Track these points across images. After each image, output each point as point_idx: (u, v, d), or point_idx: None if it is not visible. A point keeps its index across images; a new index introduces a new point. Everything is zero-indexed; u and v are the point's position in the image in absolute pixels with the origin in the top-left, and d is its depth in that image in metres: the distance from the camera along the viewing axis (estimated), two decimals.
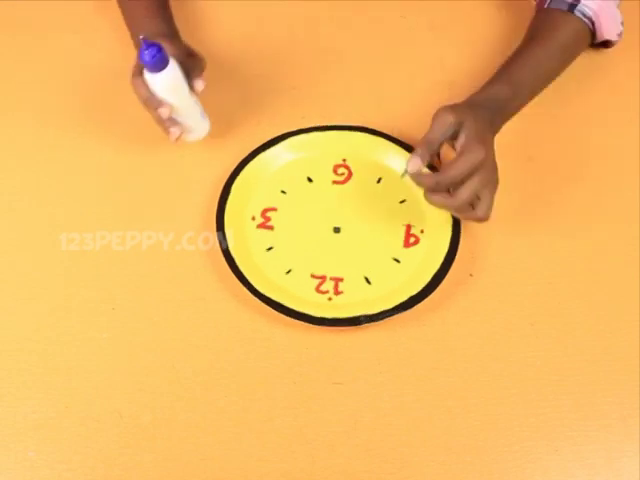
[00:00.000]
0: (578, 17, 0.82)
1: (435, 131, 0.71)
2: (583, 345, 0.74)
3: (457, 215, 0.76)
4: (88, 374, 0.72)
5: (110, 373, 0.72)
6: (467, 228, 0.78)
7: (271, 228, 0.79)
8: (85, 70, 0.88)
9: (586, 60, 0.87)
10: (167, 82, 0.74)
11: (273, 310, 0.73)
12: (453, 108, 0.72)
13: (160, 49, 0.71)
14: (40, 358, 0.73)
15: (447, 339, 0.74)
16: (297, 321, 0.73)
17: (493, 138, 0.74)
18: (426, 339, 0.74)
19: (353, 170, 0.83)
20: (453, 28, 0.95)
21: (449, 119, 0.71)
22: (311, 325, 0.72)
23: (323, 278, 0.76)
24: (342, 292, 0.76)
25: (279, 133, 0.84)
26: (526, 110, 0.81)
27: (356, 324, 0.73)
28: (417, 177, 0.72)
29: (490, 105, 0.75)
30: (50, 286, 0.76)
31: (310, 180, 0.82)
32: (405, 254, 0.78)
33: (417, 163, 0.71)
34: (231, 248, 0.76)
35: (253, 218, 0.79)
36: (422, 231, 0.79)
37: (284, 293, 0.74)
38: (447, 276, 0.75)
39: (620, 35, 0.85)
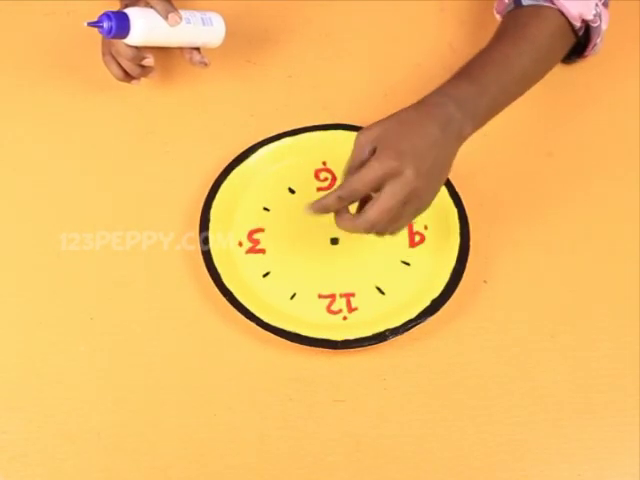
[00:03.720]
0: (531, 4, 0.77)
1: (352, 157, 0.66)
2: (608, 359, 0.71)
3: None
4: (64, 391, 0.70)
5: (90, 389, 0.70)
6: (478, 227, 0.76)
7: (262, 251, 0.75)
8: (84, 73, 0.88)
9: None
10: (141, 37, 0.76)
11: (286, 341, 0.69)
12: (368, 128, 0.66)
13: (110, 17, 0.73)
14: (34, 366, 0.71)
15: (458, 352, 0.71)
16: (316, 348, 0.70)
17: (447, 151, 0.67)
18: (435, 352, 0.71)
19: (337, 173, 0.79)
20: (464, 8, 0.92)
21: (361, 140, 0.65)
22: (332, 350, 0.69)
23: (332, 297, 0.73)
24: (356, 308, 0.73)
25: (273, 125, 0.81)
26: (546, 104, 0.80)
27: (382, 340, 0.69)
28: (318, 202, 0.66)
29: (443, 108, 0.68)
30: (50, 286, 0.75)
31: (292, 191, 0.79)
32: (413, 255, 0.75)
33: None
34: (225, 281, 0.72)
35: (240, 244, 0.76)
36: (426, 227, 0.76)
37: (295, 321, 0.71)
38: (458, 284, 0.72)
39: (598, 18, 0.78)
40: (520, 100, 0.79)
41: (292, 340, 0.69)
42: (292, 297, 0.73)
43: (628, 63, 0.88)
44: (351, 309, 0.72)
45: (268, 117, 0.84)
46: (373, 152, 0.65)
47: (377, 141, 0.65)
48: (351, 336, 0.69)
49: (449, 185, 0.76)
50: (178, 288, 0.74)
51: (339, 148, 0.78)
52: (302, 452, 0.67)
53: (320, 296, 0.73)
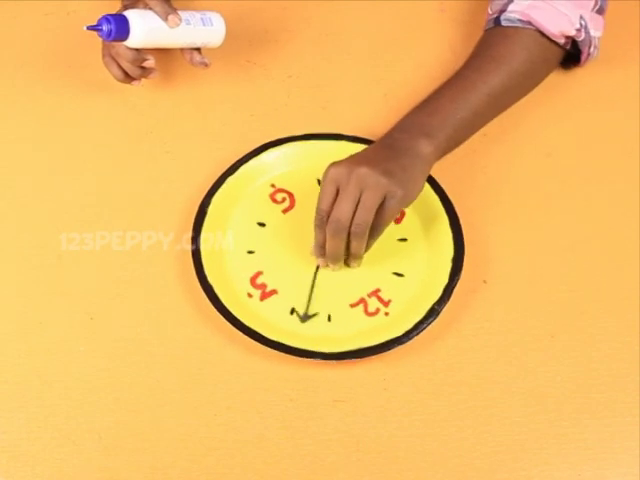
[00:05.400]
0: (506, 26, 0.78)
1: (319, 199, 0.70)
2: (609, 359, 0.70)
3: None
4: (64, 391, 0.69)
5: (90, 389, 0.69)
6: (478, 227, 0.76)
7: (275, 292, 0.74)
8: (85, 73, 0.88)
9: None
10: (140, 40, 0.76)
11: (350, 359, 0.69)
12: (328, 170, 0.70)
13: (109, 20, 0.73)
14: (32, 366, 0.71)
15: (458, 352, 0.71)
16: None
17: (399, 158, 0.71)
18: (435, 352, 0.71)
19: (288, 188, 0.79)
20: (464, 9, 0.92)
21: (326, 181, 0.70)
22: (380, 356, 0.69)
23: (363, 301, 0.73)
24: (391, 300, 0.73)
25: (273, 125, 0.82)
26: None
27: (436, 316, 0.70)
28: (313, 247, 0.73)
29: (389, 137, 0.73)
30: (50, 286, 0.75)
31: (262, 225, 0.77)
32: (403, 230, 0.76)
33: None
34: (261, 331, 0.70)
35: (250, 295, 0.73)
36: None
37: (351, 339, 0.70)
38: (457, 284, 0.72)
39: (582, 31, 0.79)
40: (519, 101, 0.81)
41: (356, 356, 0.68)
42: (329, 319, 0.72)
43: (628, 63, 0.87)
44: (386, 303, 0.72)
45: (268, 117, 0.84)
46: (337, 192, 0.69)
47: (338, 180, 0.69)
48: (409, 325, 0.69)
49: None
50: (178, 288, 0.74)
51: (277, 167, 0.79)
52: (302, 452, 0.66)
53: (352, 305, 0.72)
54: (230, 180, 0.78)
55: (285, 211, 0.78)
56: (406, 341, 0.68)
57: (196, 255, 0.73)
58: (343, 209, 0.67)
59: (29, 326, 0.72)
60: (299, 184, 0.79)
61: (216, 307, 0.70)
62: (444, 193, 0.75)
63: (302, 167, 0.79)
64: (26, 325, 0.72)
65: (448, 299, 0.70)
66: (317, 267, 0.74)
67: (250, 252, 0.76)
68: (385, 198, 0.68)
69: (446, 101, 0.75)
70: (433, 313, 0.70)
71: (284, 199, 0.79)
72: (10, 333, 0.72)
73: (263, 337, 0.69)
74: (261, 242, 0.76)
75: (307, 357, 0.68)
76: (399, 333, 0.69)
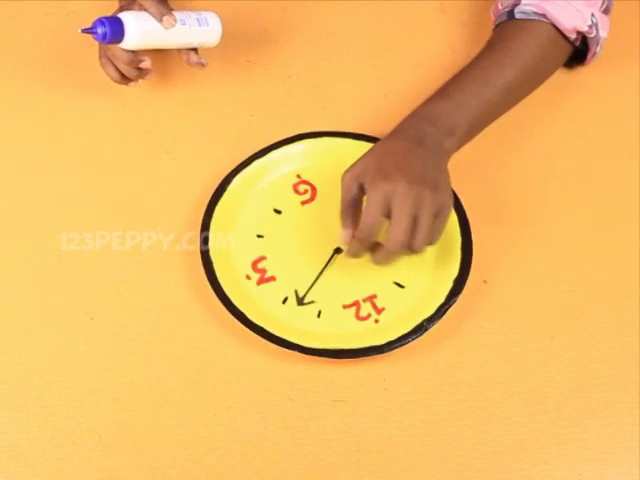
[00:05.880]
0: (521, 18, 0.78)
1: (343, 197, 0.70)
2: (608, 359, 0.70)
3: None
4: (64, 391, 0.69)
5: (90, 389, 0.69)
6: (478, 227, 0.75)
7: (273, 279, 0.74)
8: (84, 73, 0.88)
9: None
10: (136, 41, 0.75)
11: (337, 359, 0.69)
12: (351, 167, 0.70)
13: (104, 23, 0.73)
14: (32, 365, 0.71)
15: (458, 352, 0.71)
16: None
17: (431, 160, 0.70)
18: (435, 352, 0.71)
19: (313, 182, 0.79)
20: (464, 9, 0.92)
21: (347, 179, 0.69)
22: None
23: (356, 304, 0.72)
24: (384, 308, 0.72)
25: (273, 125, 0.81)
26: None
27: (423, 332, 0.69)
28: (347, 252, 0.70)
29: (416, 128, 0.72)
30: (50, 286, 0.75)
31: (278, 212, 0.78)
32: None
33: (346, 235, 0.70)
34: (247, 313, 0.70)
35: (248, 277, 0.74)
36: None
37: (330, 337, 0.70)
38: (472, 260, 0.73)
39: (594, 28, 0.79)
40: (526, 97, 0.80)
41: (336, 357, 0.68)
42: (318, 315, 0.72)
43: (628, 63, 0.87)
44: (379, 310, 0.72)
45: (268, 117, 0.84)
46: (361, 188, 0.68)
47: (362, 176, 0.68)
48: (393, 336, 0.69)
49: None
50: (178, 288, 0.74)
51: (309, 158, 0.79)
52: (302, 452, 0.66)
53: (345, 306, 0.72)
54: (256, 163, 0.78)
55: (304, 203, 0.78)
56: (387, 351, 0.68)
57: (208, 213, 0.75)
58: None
59: (29, 326, 0.72)
60: (324, 179, 0.79)
61: (210, 280, 0.71)
62: (465, 217, 0.74)
63: (330, 162, 0.78)
64: (26, 325, 0.72)
65: (439, 318, 0.69)
66: (332, 254, 0.73)
67: (259, 236, 0.76)
68: (420, 209, 0.67)
69: (469, 96, 0.74)
70: (421, 329, 0.69)
71: (306, 191, 0.79)
72: (10, 333, 0.72)
73: (246, 318, 0.69)
74: (272, 228, 0.77)
75: (284, 347, 0.68)
76: (382, 342, 0.68)
